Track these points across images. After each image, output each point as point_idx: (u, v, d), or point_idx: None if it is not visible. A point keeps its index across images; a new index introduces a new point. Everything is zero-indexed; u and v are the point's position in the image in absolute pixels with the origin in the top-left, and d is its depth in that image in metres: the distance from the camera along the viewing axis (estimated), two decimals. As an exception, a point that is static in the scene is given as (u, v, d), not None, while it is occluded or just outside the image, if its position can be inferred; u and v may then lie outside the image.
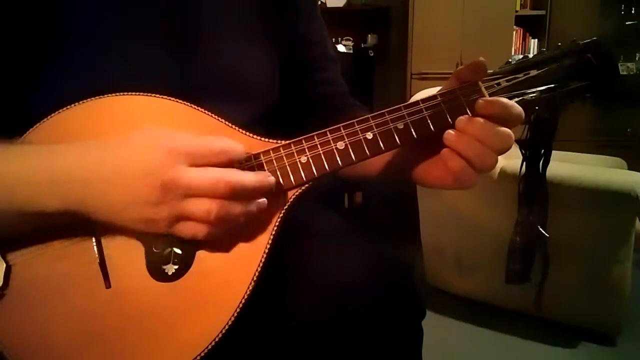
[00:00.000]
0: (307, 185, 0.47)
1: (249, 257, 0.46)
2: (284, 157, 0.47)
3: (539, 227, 0.56)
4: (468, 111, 0.48)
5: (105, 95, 0.47)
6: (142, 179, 0.40)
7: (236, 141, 0.44)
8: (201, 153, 0.42)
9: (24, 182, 0.41)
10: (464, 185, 0.47)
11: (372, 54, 2.99)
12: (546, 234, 0.56)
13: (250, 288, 0.45)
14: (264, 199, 0.44)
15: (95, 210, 0.41)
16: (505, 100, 0.46)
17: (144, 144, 0.42)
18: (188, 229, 0.42)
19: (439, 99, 0.48)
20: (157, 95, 0.48)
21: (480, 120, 0.46)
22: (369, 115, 0.48)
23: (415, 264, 1.97)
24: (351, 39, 3.27)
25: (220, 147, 0.42)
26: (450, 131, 0.47)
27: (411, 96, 2.57)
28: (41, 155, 0.42)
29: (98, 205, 0.41)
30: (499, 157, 0.46)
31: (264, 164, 0.47)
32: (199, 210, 0.41)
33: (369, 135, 0.47)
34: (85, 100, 0.46)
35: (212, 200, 0.41)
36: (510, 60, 0.50)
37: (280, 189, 0.46)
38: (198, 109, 0.49)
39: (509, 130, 0.46)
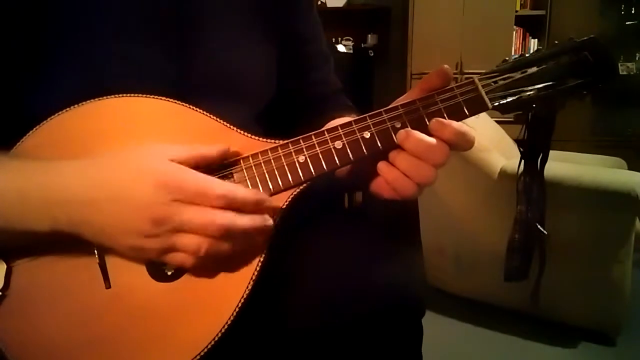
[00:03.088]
0: (305, 184, 0.47)
1: (247, 256, 0.46)
2: (282, 157, 0.47)
3: (537, 224, 0.56)
4: (466, 110, 0.48)
5: (103, 98, 0.47)
6: (133, 212, 0.40)
7: (240, 186, 0.44)
8: (199, 193, 0.41)
9: (16, 201, 0.41)
10: (404, 195, 0.47)
11: (372, 54, 2.99)
12: (544, 231, 0.56)
13: (249, 288, 0.45)
14: (257, 239, 0.44)
15: (86, 233, 0.42)
16: (458, 126, 0.46)
17: (135, 171, 0.41)
18: (177, 260, 0.42)
19: (436, 97, 0.48)
20: (156, 97, 0.48)
21: (417, 135, 0.46)
22: (367, 115, 0.48)
23: (415, 264, 1.96)
24: (351, 39, 3.28)
25: (220, 193, 0.41)
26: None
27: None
28: (34, 173, 0.42)
29: (88, 228, 0.41)
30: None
31: (262, 164, 0.47)
32: (189, 245, 0.41)
33: (367, 135, 0.47)
34: (82, 103, 0.46)
35: (203, 238, 0.41)
36: (507, 59, 0.50)
37: (278, 190, 0.46)
38: (197, 110, 0.48)
39: (444, 145, 0.45)
